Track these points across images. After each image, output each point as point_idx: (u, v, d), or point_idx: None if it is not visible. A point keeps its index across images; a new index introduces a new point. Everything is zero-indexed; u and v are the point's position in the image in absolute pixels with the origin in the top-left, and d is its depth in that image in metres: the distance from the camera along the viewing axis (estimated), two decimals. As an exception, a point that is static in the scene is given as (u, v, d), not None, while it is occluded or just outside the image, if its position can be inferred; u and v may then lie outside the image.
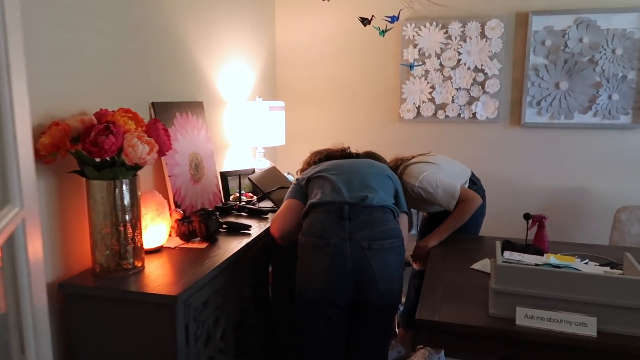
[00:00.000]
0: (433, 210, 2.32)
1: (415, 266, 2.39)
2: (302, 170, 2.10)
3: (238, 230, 2.05)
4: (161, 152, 1.57)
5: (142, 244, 1.63)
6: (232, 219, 2.23)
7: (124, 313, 1.48)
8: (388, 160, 2.25)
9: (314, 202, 1.80)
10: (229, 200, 2.51)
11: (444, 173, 2.23)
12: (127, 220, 1.56)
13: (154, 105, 2.01)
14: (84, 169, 1.49)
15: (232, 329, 1.85)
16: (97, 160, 1.51)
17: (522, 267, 1.51)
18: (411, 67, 2.64)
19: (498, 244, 1.73)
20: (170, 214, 1.95)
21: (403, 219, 1.94)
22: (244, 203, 2.42)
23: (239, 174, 2.44)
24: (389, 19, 2.58)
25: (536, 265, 1.57)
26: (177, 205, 2.05)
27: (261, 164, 2.79)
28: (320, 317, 1.76)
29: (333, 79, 3.31)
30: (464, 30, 3.02)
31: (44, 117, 1.48)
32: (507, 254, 1.72)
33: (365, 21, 2.62)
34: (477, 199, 2.16)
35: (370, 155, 2.17)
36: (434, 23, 3.06)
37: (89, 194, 1.51)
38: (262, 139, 2.72)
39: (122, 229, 1.54)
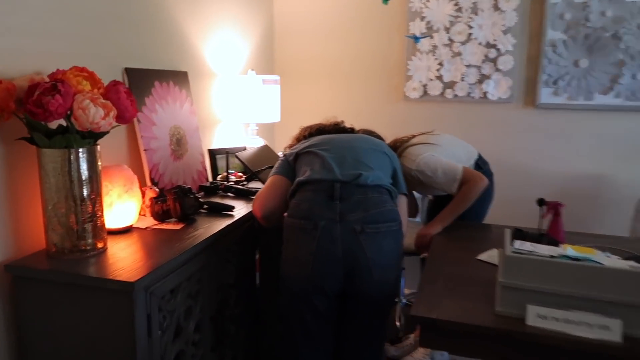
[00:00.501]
0: (436, 194, 2.12)
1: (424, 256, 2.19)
2: (291, 146, 1.90)
3: (220, 211, 1.86)
4: (123, 119, 1.37)
5: (103, 223, 1.45)
6: (217, 200, 2.05)
7: (78, 300, 1.31)
8: (387, 141, 2.05)
9: (301, 180, 1.61)
10: (216, 179, 2.32)
11: (446, 154, 2.02)
12: (85, 195, 1.37)
13: (127, 71, 1.81)
14: (33, 135, 1.31)
15: (209, 320, 1.67)
16: (53, 126, 1.33)
17: (534, 258, 1.31)
18: (416, 39, 2.42)
19: (507, 233, 1.52)
20: (145, 192, 1.77)
21: (402, 201, 1.74)
22: (232, 183, 2.23)
23: (226, 152, 2.25)
24: (394, -14, 2.36)
25: (551, 257, 1.37)
26: (153, 183, 1.87)
27: (254, 142, 2.60)
28: (306, 308, 1.58)
29: (335, 53, 3.09)
30: (476, 2, 2.78)
31: (-13, 74, 1.29)
32: (517, 243, 1.51)
33: (368, -12, 2.40)
34: (482, 180, 1.95)
35: (369, 132, 1.96)
36: (444, -6, 2.82)
37: (40, 164, 1.33)
38: (254, 115, 2.52)
39: (78, 204, 1.36)
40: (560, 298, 1.26)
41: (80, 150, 1.34)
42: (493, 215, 2.34)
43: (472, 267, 1.66)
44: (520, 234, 1.71)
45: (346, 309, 1.62)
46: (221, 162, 2.39)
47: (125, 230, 1.61)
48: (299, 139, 1.91)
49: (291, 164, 1.74)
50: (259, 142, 2.59)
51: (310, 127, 1.94)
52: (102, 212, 1.44)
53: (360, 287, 1.53)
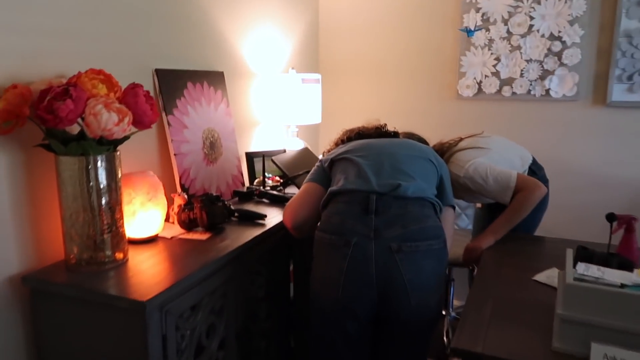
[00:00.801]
0: (485, 202, 1.93)
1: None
2: (329, 151, 1.76)
3: (251, 219, 1.76)
4: (142, 124, 1.29)
5: (124, 233, 1.38)
6: (251, 206, 1.95)
7: (90, 317, 1.24)
8: (431, 144, 1.87)
9: (334, 190, 1.47)
10: (253, 184, 2.23)
11: (498, 160, 1.82)
12: (103, 205, 1.30)
13: (157, 72, 1.75)
14: (50, 142, 1.25)
15: (235, 336, 1.57)
16: (74, 131, 1.27)
17: (602, 288, 1.11)
18: (469, 32, 2.20)
19: (569, 253, 1.32)
20: (174, 198, 1.70)
21: (448, 214, 1.56)
22: (268, 188, 2.13)
23: (263, 155, 2.15)
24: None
25: (622, 286, 1.16)
26: (184, 189, 1.79)
27: (294, 144, 2.49)
28: (336, 333, 1.44)
29: (383, 49, 2.92)
30: (539, -10, 2.54)
31: (4, 78, 1.24)
32: (581, 266, 1.30)
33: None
34: (539, 188, 1.74)
35: (410, 136, 1.79)
36: (502, -18, 2.59)
37: (57, 171, 1.27)
38: (293, 116, 2.40)
39: (96, 214, 1.29)
40: (633, 337, 1.05)
41: (100, 157, 1.28)
42: (554, 225, 2.12)
43: (526, 289, 1.46)
44: (584, 253, 1.50)
45: (382, 332, 1.47)
46: (259, 166, 2.30)
47: (150, 240, 1.54)
48: (337, 143, 1.77)
49: (326, 170, 1.61)
50: (300, 145, 2.48)
51: (351, 130, 1.80)
52: (123, 222, 1.37)
53: (396, 312, 1.37)
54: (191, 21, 1.92)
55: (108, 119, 1.15)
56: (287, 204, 1.62)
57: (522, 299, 1.40)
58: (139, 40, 1.68)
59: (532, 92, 2.63)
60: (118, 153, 1.33)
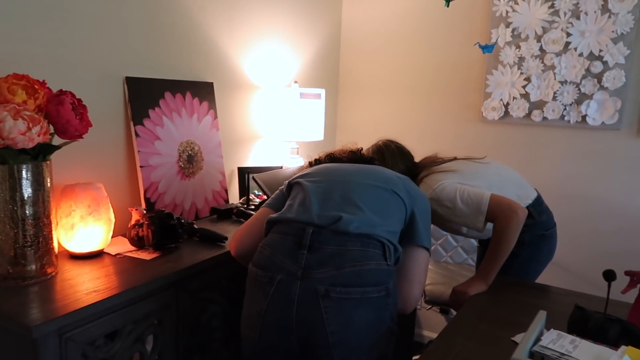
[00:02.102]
0: (465, 233, 1.70)
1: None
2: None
3: (212, 241, 1.64)
4: (66, 134, 1.22)
5: (52, 247, 1.30)
6: (225, 225, 1.84)
7: (-8, 336, 1.16)
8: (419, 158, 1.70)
9: (272, 218, 1.31)
10: (240, 201, 2.12)
11: (485, 188, 1.58)
12: (27, 217, 1.23)
13: (128, 80, 1.68)
14: (-28, 149, 1.20)
15: (176, 367, 1.44)
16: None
17: (556, 370, 0.88)
18: (484, 49, 1.96)
19: (541, 316, 1.09)
20: (131, 213, 1.62)
21: (418, 256, 1.34)
22: (253, 207, 2.00)
23: (247, 171, 2.03)
24: (460, -15, 1.95)
25: (590, 368, 0.92)
26: (149, 203, 1.71)
27: (294, 162, 2.35)
28: None
29: (404, 68, 2.72)
30: (578, 3, 2.24)
31: None
32: (551, 335, 1.06)
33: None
34: (515, 213, 1.47)
35: (385, 146, 1.65)
36: (537, -5, 2.33)
37: (-19, 180, 1.22)
38: (292, 132, 2.27)
39: (19, 226, 1.22)
40: None
41: (24, 167, 1.21)
42: (586, 273, 1.82)
43: (497, 351, 1.22)
44: (581, 314, 1.25)
45: None
46: (253, 182, 2.18)
47: (93, 255, 1.46)
48: (306, 166, 1.62)
49: (285, 194, 1.45)
50: (299, 162, 2.34)
51: (325, 153, 1.63)
52: (52, 236, 1.30)
53: (317, 367, 1.18)
54: (178, 30, 1.85)
55: (12, 127, 1.08)
56: (237, 229, 1.47)
57: (487, 364, 1.16)
58: (109, 46, 1.62)
59: (565, 118, 2.33)
60: (48, 162, 1.26)
